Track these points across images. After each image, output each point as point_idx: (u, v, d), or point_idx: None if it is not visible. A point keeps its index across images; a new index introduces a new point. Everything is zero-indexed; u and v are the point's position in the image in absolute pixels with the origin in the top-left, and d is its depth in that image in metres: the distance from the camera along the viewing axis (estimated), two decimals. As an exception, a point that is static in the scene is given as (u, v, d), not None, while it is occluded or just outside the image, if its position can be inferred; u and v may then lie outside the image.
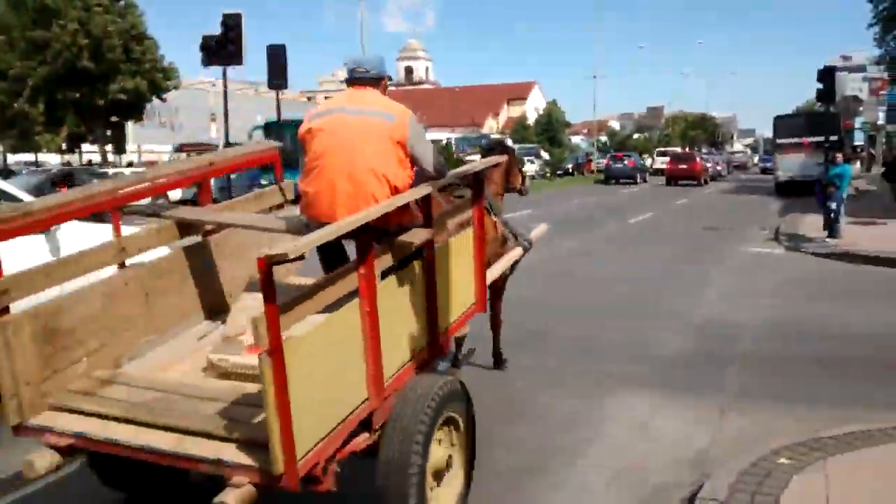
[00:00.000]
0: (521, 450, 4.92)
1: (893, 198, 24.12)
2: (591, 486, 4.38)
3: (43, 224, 3.59)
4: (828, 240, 14.56)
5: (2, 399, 3.30)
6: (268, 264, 2.73)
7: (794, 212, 20.95)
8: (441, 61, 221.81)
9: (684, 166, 42.43)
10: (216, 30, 18.92)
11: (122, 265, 4.01)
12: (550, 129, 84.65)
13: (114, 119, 34.22)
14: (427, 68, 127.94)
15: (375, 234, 3.49)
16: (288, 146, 26.28)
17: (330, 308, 3.21)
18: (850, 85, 68.07)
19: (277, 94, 23.93)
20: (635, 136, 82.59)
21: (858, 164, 44.84)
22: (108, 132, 35.04)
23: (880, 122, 57.68)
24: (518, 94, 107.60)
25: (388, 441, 3.37)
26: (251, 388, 3.43)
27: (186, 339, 4.17)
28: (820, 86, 18.55)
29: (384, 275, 3.61)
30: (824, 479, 4.08)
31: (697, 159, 44.12)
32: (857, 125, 50.77)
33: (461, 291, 4.42)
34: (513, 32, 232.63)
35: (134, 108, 33.40)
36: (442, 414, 3.61)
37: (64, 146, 41.45)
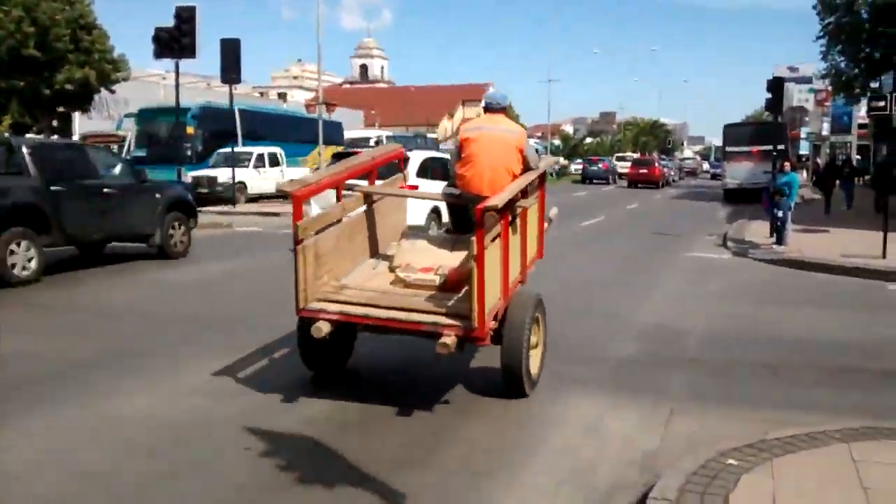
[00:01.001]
0: (474, 449, 4.91)
1: (826, 206, 24.95)
2: (543, 487, 4.38)
3: (316, 191, 6.20)
4: (775, 246, 14.86)
5: (297, 292, 5.53)
6: (483, 211, 5.15)
7: (741, 218, 21.38)
8: (397, 60, 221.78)
9: (644, 171, 46.01)
10: (170, 21, 18.62)
11: (338, 220, 6.28)
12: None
13: (60, 109, 33.35)
14: (383, 67, 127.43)
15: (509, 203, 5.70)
16: (162, 135, 25.46)
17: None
18: (797, 96, 69.79)
19: (230, 89, 23.65)
20: (588, 140, 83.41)
21: (804, 173, 46.06)
22: (55, 122, 34.11)
23: (825, 132, 59.27)
24: (473, 95, 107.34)
25: (509, 327, 5.74)
26: (428, 292, 5.77)
27: (366, 268, 6.50)
28: (769, 95, 18.91)
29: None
30: (771, 479, 4.15)
31: (656, 165, 47.20)
32: (802, 135, 52.06)
33: (532, 242, 6.92)
34: (469, 34, 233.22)
35: (81, 99, 32.55)
36: (535, 314, 6.01)
37: (7, 135, 40.27)
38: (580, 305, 9.74)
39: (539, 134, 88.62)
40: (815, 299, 10.48)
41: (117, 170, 12.71)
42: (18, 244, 10.06)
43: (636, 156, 61.70)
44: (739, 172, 31.50)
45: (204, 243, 15.32)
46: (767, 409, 5.77)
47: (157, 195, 12.84)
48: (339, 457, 4.73)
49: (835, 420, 5.23)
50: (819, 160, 52.40)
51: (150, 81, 44.71)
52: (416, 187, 13.11)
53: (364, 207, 6.72)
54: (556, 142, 69.40)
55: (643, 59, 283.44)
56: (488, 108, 6.63)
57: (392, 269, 6.22)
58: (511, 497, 4.27)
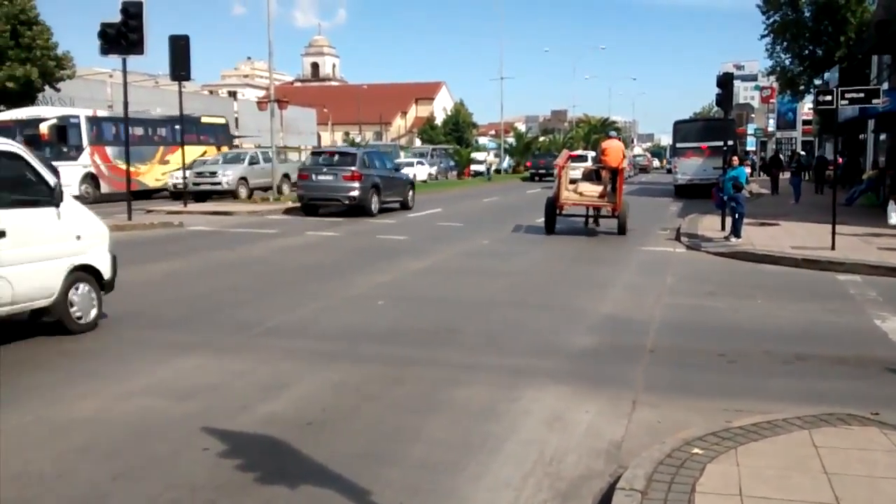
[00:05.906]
0: (438, 444, 4.84)
1: (772, 188, 31.54)
2: (511, 480, 4.33)
3: (564, 165, 18.22)
4: (732, 239, 15.07)
5: (557, 195, 17.52)
6: (618, 168, 17.21)
7: (692, 213, 21.63)
8: (349, 58, 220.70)
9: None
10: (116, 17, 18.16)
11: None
12: (458, 129, 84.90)
13: (1, 108, 32.39)
14: (334, 65, 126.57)
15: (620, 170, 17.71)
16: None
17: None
18: (743, 93, 71.19)
19: (180, 86, 23.18)
20: (541, 138, 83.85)
21: (750, 168, 47.09)
22: (-4, 122, 33.10)
23: (770, 128, 60.52)
24: (426, 93, 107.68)
25: (622, 208, 17.28)
26: (595, 197, 17.60)
27: (567, 192, 17.95)
28: (719, 90, 19.17)
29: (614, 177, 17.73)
30: (736, 467, 4.16)
31: None
32: (749, 131, 53.05)
33: (624, 183, 17.97)
34: (422, 32, 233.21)
35: (24, 98, 31.65)
36: (627, 206, 17.81)
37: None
38: (539, 298, 9.74)
39: (492, 132, 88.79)
40: (768, 290, 10.62)
41: None
42: None
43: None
44: (690, 168, 31.89)
45: (155, 242, 15.01)
46: (727, 397, 5.81)
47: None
48: (300, 455, 4.63)
49: (792, 407, 5.29)
50: (765, 155, 53.63)
51: (96, 80, 43.71)
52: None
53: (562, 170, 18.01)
54: (511, 139, 69.49)
55: (593, 58, 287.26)
56: (608, 136, 20.03)
57: (577, 192, 17.53)
58: (478, 489, 4.21)
